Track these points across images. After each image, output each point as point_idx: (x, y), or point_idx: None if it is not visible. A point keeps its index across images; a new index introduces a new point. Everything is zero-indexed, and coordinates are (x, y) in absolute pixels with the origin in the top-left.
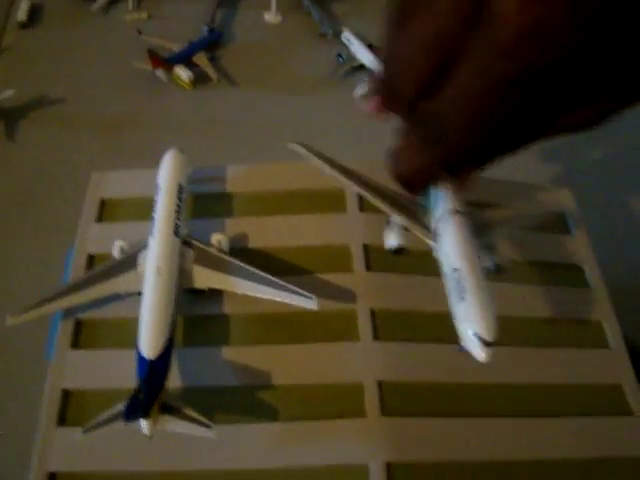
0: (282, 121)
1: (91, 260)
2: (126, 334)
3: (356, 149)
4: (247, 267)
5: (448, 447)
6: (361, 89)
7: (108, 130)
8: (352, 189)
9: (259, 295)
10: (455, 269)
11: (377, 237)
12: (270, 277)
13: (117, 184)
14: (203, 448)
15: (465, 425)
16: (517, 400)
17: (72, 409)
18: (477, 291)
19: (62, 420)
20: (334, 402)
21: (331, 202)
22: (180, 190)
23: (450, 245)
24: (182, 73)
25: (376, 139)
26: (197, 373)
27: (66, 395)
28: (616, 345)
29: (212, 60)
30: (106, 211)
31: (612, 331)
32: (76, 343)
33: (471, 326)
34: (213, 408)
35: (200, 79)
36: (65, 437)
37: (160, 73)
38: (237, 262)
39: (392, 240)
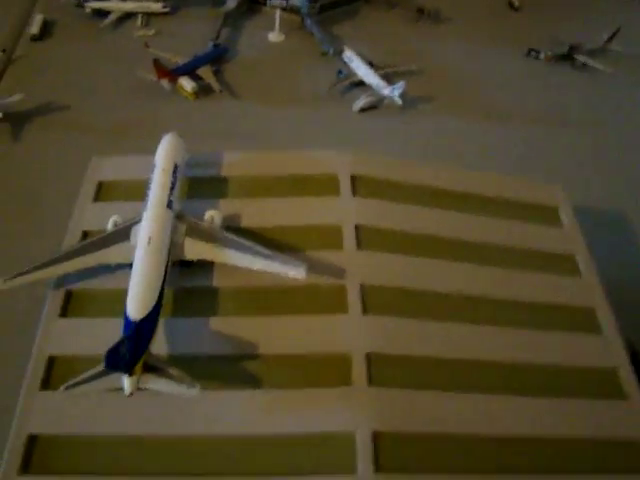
0: (282, 131)
1: (85, 237)
2: (115, 304)
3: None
4: (237, 239)
5: (436, 419)
6: (360, 103)
7: (110, 135)
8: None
9: (249, 266)
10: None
11: (369, 219)
12: (260, 248)
13: (116, 168)
14: (186, 413)
15: (455, 398)
16: (510, 378)
17: (56, 374)
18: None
19: (46, 385)
20: (322, 372)
21: (325, 187)
22: (175, 169)
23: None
24: (186, 84)
25: (371, 147)
26: (185, 342)
27: (51, 361)
28: (610, 331)
29: (216, 73)
30: (103, 192)
31: (605, 317)
32: (65, 312)
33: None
34: (199, 376)
35: (204, 91)
36: (48, 401)
37: (164, 83)
38: (228, 235)
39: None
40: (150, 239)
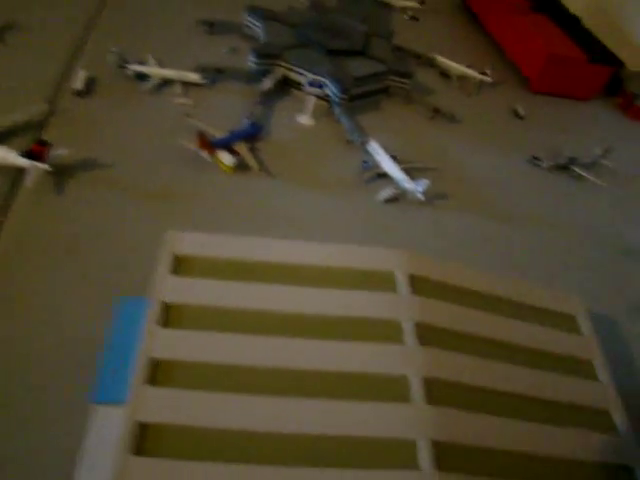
0: (313, 214)
1: (167, 309)
2: (204, 375)
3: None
4: None
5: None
6: (385, 194)
7: (152, 199)
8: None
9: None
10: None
11: (427, 317)
12: None
13: (188, 244)
14: None
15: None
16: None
17: (149, 442)
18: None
19: (139, 451)
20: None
21: (382, 283)
22: None
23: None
24: (225, 157)
25: (392, 241)
26: None
27: (144, 428)
28: (626, 431)
29: (251, 150)
30: (180, 266)
31: (621, 421)
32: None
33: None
34: None
35: (239, 166)
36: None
37: (204, 154)
38: None
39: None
40: None
